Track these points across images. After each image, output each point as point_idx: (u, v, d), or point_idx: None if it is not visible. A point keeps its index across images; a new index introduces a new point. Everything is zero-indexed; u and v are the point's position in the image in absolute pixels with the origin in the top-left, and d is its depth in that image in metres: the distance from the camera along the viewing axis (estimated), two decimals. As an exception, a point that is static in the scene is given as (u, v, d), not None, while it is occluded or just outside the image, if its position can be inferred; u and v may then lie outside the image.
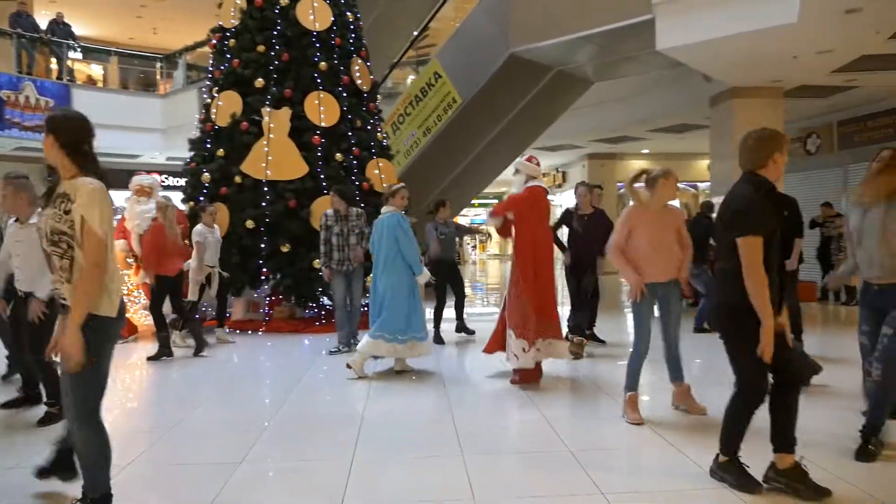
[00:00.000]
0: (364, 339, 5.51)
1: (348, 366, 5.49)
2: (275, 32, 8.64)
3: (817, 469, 3.11)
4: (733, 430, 3.09)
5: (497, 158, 12.92)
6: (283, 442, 3.91)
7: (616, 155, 18.55)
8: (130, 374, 5.99)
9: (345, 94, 8.86)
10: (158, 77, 17.60)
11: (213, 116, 8.69)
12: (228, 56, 8.79)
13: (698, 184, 18.90)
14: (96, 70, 19.35)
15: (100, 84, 18.67)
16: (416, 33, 13.52)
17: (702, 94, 11.18)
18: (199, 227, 7.12)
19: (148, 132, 16.45)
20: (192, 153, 8.96)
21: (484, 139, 11.96)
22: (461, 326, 7.67)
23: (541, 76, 10.92)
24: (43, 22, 15.82)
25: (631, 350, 4.30)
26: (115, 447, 3.82)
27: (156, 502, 3.12)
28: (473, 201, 21.64)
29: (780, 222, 3.04)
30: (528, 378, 5.17)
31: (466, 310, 7.87)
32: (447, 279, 7.35)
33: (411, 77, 17.44)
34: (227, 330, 7.82)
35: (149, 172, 8.49)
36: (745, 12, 7.31)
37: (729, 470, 3.10)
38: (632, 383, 4.23)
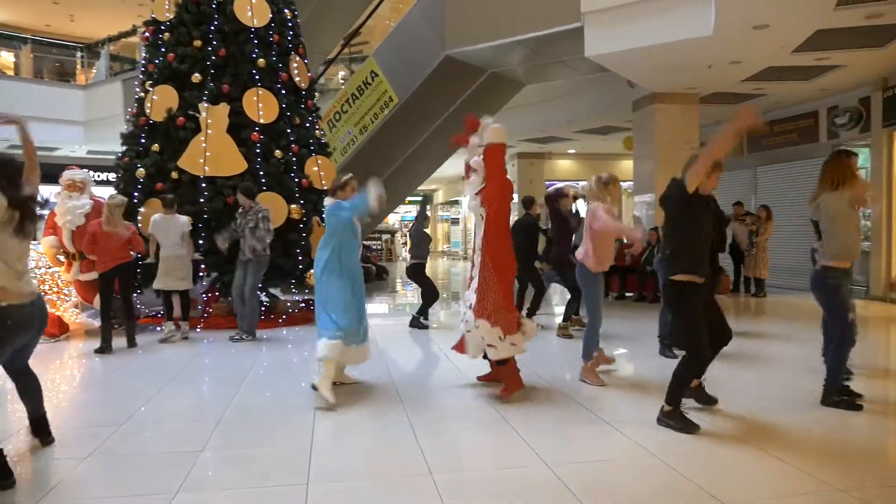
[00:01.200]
0: (321, 349, 4.68)
1: (314, 387, 4.80)
2: (212, 27, 8.58)
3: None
4: (682, 384, 3.98)
5: (431, 157, 13.21)
6: (241, 430, 4.04)
7: (544, 154, 19.20)
8: (74, 370, 5.91)
9: (283, 92, 8.89)
10: (79, 67, 16.90)
11: (147, 111, 8.54)
12: (163, 50, 8.66)
13: (621, 183, 19.78)
14: (6, 57, 18.38)
15: (9, 73, 17.77)
16: (351, 31, 13.61)
17: (625, 99, 11.84)
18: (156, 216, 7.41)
19: (67, 124, 15.78)
20: (125, 148, 8.76)
21: (419, 138, 12.21)
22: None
23: (475, 77, 11.27)
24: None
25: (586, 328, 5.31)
26: (70, 441, 3.88)
27: (120, 493, 3.16)
28: (407, 199, 21.85)
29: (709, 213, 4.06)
30: (514, 388, 4.76)
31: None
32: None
33: (342, 73, 17.48)
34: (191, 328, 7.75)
35: (69, 167, 8.22)
36: (667, 24, 7.88)
37: (673, 417, 3.95)
38: (589, 353, 5.19)
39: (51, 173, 10.80)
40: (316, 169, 8.96)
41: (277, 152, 8.53)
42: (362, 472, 3.36)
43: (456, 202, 28.22)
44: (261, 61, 8.64)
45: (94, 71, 16.85)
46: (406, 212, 29.27)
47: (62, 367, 6.04)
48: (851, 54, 8.81)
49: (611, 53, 8.64)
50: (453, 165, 20.42)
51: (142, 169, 8.30)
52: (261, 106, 8.56)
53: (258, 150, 8.42)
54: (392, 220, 27.74)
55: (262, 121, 8.51)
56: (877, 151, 10.41)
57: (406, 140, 12.06)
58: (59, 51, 17.53)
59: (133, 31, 15.91)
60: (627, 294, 11.13)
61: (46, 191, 6.76)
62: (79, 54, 16.91)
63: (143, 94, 8.76)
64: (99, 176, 15.77)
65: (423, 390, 5.21)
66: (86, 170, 8.29)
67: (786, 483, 3.16)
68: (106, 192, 9.11)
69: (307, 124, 9.23)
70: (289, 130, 8.81)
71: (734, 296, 11.34)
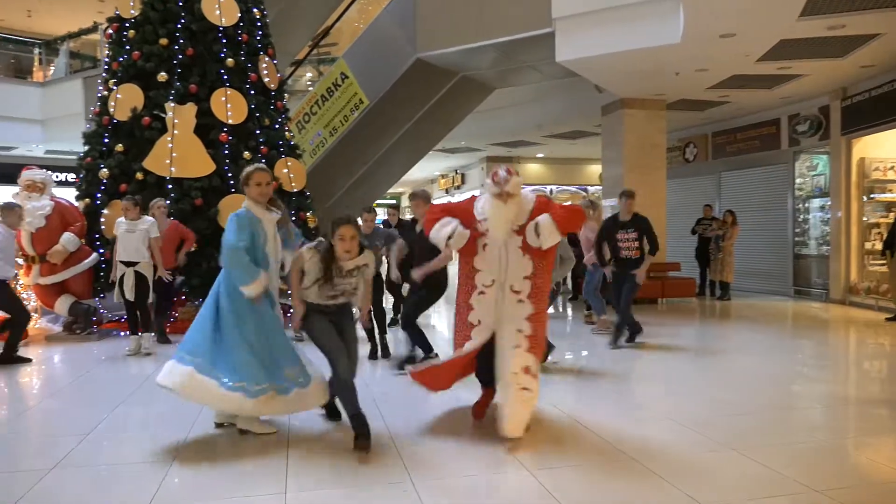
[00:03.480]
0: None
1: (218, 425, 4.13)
2: (178, 26, 8.40)
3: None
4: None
5: (400, 160, 13.16)
6: (213, 439, 3.94)
7: (513, 158, 19.30)
8: (35, 376, 5.70)
9: (252, 92, 8.76)
10: (37, 64, 16.38)
11: (110, 110, 8.32)
12: (128, 48, 8.45)
13: (588, 187, 20.04)
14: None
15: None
16: (320, 32, 13.48)
17: (594, 104, 11.96)
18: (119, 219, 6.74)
19: (24, 122, 15.26)
20: (87, 148, 8.52)
21: (389, 140, 12.15)
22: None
23: (446, 81, 11.25)
24: None
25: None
26: (35, 451, 3.74)
27: (89, 504, 3.06)
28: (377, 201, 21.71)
29: None
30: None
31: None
32: None
33: (309, 75, 17.31)
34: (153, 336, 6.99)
35: (26, 167, 7.94)
36: (636, 31, 7.98)
37: None
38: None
39: (7, 173, 10.52)
40: (286, 171, 8.84)
41: (246, 153, 8.38)
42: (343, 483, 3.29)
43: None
44: (229, 61, 8.49)
45: (53, 68, 16.34)
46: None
47: (25, 374, 5.82)
48: (813, 64, 9.05)
49: (580, 59, 8.72)
50: (422, 169, 20.45)
51: (105, 169, 8.08)
52: (229, 106, 8.41)
53: (226, 151, 8.27)
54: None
55: (230, 121, 8.37)
56: (835, 158, 10.71)
57: (376, 142, 11.98)
58: (16, 47, 16.95)
59: (94, 28, 15.46)
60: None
61: (4, 191, 6.56)
62: (36, 51, 16.36)
63: (106, 93, 8.53)
64: (58, 176, 15.28)
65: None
66: (45, 170, 8.00)
67: (765, 486, 3.21)
68: (66, 193, 8.89)
69: (276, 125, 9.10)
70: (258, 131, 8.68)
71: (701, 299, 11.54)
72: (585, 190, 19.94)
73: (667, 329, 8.26)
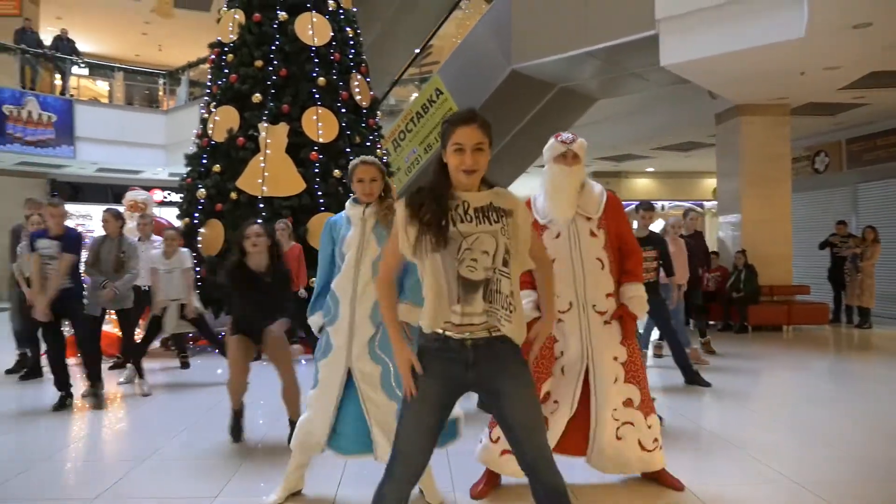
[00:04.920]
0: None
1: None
2: (273, 47, 8.53)
3: None
4: None
5: (499, 176, 12.75)
6: (262, 474, 3.69)
7: (621, 173, 18.41)
8: (116, 393, 5.80)
9: (343, 110, 8.72)
10: (161, 93, 17.62)
11: (209, 132, 8.57)
12: (226, 71, 8.69)
13: (704, 203, 18.71)
14: (102, 86, 19.45)
15: (105, 100, 18.71)
16: (416, 51, 13.44)
17: (707, 112, 11.03)
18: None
19: (151, 148, 16.45)
20: (189, 169, 8.82)
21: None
22: None
23: (544, 93, 10.79)
24: (48, 39, 15.87)
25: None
26: (82, 480, 3.65)
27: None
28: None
29: None
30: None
31: None
32: None
33: (415, 95, 17.42)
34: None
35: (150, 189, 8.32)
36: (751, 27, 7.16)
37: None
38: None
39: None
40: (375, 189, 8.70)
41: (336, 171, 8.34)
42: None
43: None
44: (321, 80, 8.51)
45: (176, 97, 17.49)
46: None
47: (112, 386, 5.93)
48: (971, 55, 7.77)
49: (689, 62, 7.97)
50: (524, 186, 19.97)
51: (202, 189, 8.29)
52: (320, 125, 8.41)
53: (317, 170, 8.26)
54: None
55: (321, 140, 8.36)
56: None
57: (472, 159, 11.66)
58: (145, 79, 18.32)
59: (207, 57, 16.43)
60: (710, 322, 10.25)
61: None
62: (161, 81, 17.60)
63: (206, 115, 8.81)
64: (169, 196, 16.23)
65: None
66: (146, 191, 8.37)
67: None
68: (172, 214, 9.29)
69: (368, 143, 9.01)
70: (348, 149, 8.62)
71: (835, 326, 10.23)
72: (701, 206, 18.61)
73: (793, 361, 7.28)
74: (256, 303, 4.08)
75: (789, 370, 6.85)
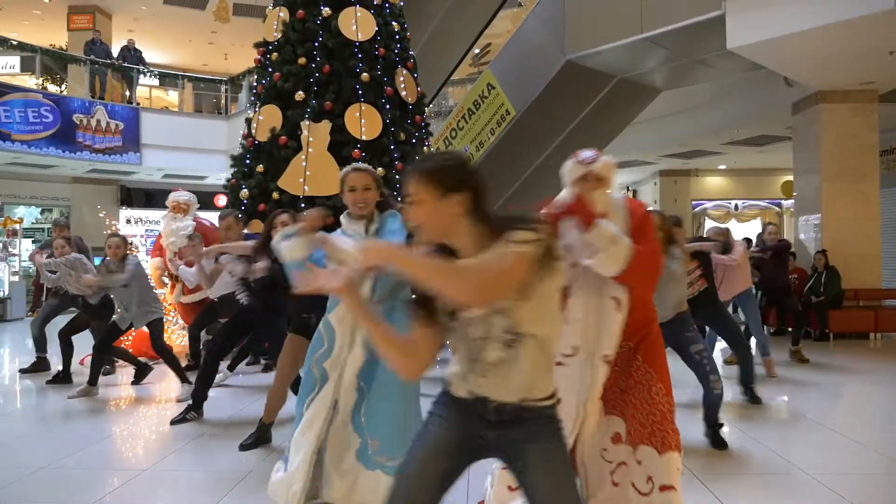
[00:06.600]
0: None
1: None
2: (316, 44, 8.35)
3: None
4: None
5: (555, 178, 12.21)
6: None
7: (690, 171, 17.44)
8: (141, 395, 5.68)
9: (388, 107, 8.43)
10: (223, 100, 17.99)
11: (253, 132, 8.47)
12: (270, 70, 8.57)
13: (782, 201, 17.51)
14: (173, 96, 20.11)
15: (174, 109, 19.32)
16: (467, 49, 13.07)
17: (783, 101, 10.17)
18: None
19: (214, 153, 16.78)
20: (234, 170, 8.75)
21: (542, 153, 11.30)
22: None
23: (602, 85, 10.22)
24: (116, 49, 16.45)
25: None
26: (78, 487, 3.43)
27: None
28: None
29: None
30: None
31: None
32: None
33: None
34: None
35: (215, 195, 8.33)
36: (830, 0, 6.43)
37: None
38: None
39: (201, 200, 11.30)
40: (421, 187, 8.37)
41: (380, 170, 8.05)
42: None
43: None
44: (364, 76, 8.24)
45: (237, 103, 17.81)
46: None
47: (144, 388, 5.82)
48: None
49: (759, 43, 7.28)
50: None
51: (245, 190, 8.17)
52: (363, 122, 8.15)
53: (359, 168, 8.00)
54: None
55: (364, 137, 8.09)
56: None
57: (526, 157, 11.19)
58: (210, 87, 18.77)
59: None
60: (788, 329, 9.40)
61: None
62: (223, 87, 17.96)
63: (251, 116, 8.73)
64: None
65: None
66: (190, 192, 8.34)
67: None
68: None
69: (413, 140, 8.70)
70: (392, 147, 8.32)
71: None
72: (778, 205, 17.42)
73: (883, 375, 6.47)
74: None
75: (881, 384, 6.07)
